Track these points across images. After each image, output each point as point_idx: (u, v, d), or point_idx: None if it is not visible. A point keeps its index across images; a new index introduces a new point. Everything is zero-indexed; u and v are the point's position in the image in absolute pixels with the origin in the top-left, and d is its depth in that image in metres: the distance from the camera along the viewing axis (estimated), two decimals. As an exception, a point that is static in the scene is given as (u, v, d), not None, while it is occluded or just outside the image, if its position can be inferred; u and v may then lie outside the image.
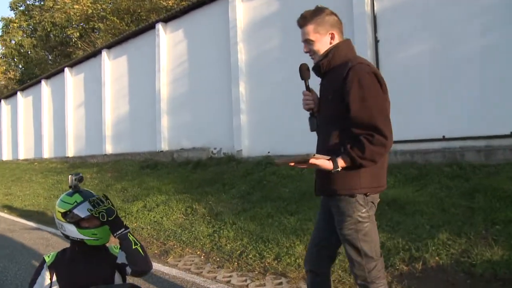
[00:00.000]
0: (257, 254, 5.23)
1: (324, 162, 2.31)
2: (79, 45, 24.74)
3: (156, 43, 13.19)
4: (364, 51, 8.01)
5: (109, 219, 2.57)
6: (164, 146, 12.68)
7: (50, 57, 31.50)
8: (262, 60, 10.11)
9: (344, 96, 2.34)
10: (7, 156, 24.94)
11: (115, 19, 21.56)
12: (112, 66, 15.69)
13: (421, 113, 7.52)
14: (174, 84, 12.70)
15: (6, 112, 25.20)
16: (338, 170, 2.32)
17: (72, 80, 18.36)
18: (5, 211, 11.28)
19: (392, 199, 5.94)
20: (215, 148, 11.09)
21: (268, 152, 9.25)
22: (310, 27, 2.50)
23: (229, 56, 10.78)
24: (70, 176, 2.74)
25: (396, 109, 7.78)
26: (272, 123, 9.61)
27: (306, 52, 2.61)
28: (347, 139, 2.35)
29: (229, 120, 10.62)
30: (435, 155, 7.18)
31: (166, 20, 13.13)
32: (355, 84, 2.31)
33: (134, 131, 14.20)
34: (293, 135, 8.99)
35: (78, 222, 2.66)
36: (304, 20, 2.52)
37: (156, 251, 6.06)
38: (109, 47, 15.96)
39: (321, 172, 2.47)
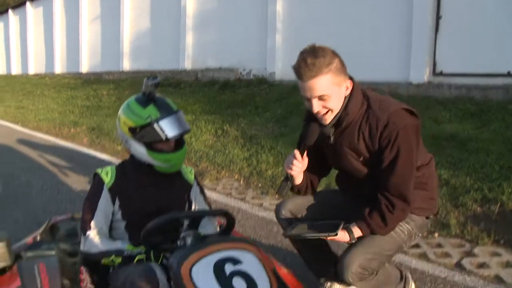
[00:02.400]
0: (304, 182, 4.72)
1: (340, 236, 1.98)
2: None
3: (184, -48, 12.05)
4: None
5: None
6: (188, 65, 11.87)
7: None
8: (304, -24, 9.12)
9: (378, 151, 1.98)
10: (16, 70, 24.24)
11: None
12: (133, -23, 14.59)
13: (483, 45, 6.72)
14: (202, -2, 11.72)
15: (14, 23, 24.15)
16: (353, 242, 2.04)
17: (88, -10, 17.29)
18: (19, 124, 10.86)
19: (450, 134, 5.49)
20: (244, 69, 10.31)
21: (305, 76, 8.54)
22: (325, 79, 1.86)
23: (266, -30, 9.76)
24: (145, 79, 2.05)
25: (454, 39, 7.23)
26: (311, 45, 8.77)
27: (316, 113, 1.97)
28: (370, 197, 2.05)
29: (262, 40, 9.78)
30: (497, 92, 6.48)
31: None
32: (392, 145, 1.93)
33: (154, 48, 13.36)
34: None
35: (150, 143, 2.06)
36: (312, 69, 1.84)
37: (189, 172, 5.57)
38: (130, -45, 14.76)
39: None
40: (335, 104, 1.94)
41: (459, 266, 3.08)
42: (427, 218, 2.19)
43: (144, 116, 2.02)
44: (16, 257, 2.04)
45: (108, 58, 15.59)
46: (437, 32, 7.14)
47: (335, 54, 1.91)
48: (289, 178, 2.14)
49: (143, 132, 2.02)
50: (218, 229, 2.32)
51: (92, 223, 2.06)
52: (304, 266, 2.55)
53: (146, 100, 2.07)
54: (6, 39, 24.79)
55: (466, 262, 3.11)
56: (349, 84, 1.97)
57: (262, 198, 4.58)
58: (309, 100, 1.93)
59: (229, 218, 1.93)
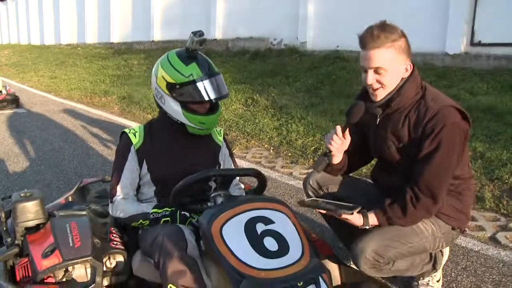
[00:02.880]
0: (334, 152, 4.67)
1: (354, 217, 1.89)
2: None
3: None
4: None
5: None
6: (218, 34, 11.78)
7: None
8: None
9: (419, 141, 1.88)
10: (49, 40, 24.56)
11: None
12: None
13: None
14: (232, -34, 11.55)
15: (47, -7, 24.45)
16: (367, 228, 1.93)
17: (119, -41, 17.22)
18: (52, 93, 11.06)
19: (486, 106, 5.30)
20: (275, 39, 10.18)
21: (337, 46, 8.35)
22: (386, 52, 1.83)
23: None
24: (191, 34, 1.94)
25: (496, 6, 6.91)
26: (343, 14, 8.58)
27: (369, 85, 1.91)
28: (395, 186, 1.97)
29: (294, 8, 9.60)
30: (538, 63, 6.22)
31: None
32: (434, 136, 1.83)
33: (185, 17, 13.25)
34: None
35: (186, 103, 1.99)
36: (376, 40, 1.82)
37: (218, 141, 5.59)
38: None
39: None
40: (390, 81, 1.89)
41: (493, 240, 2.99)
42: (453, 229, 2.06)
43: (186, 73, 1.95)
44: (49, 215, 2.07)
45: (139, 28, 15.60)
46: (477, -1, 6.85)
47: (403, 34, 1.87)
48: (327, 154, 2.07)
49: (182, 90, 1.95)
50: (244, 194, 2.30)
51: (119, 188, 2.05)
52: (333, 235, 2.51)
53: (189, 56, 2.00)
54: (40, 9, 25.07)
55: (500, 236, 3.02)
56: (409, 67, 1.91)
57: (291, 167, 4.55)
58: (366, 71, 1.90)
59: (261, 178, 1.89)
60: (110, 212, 2.08)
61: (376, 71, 1.86)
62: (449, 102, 1.89)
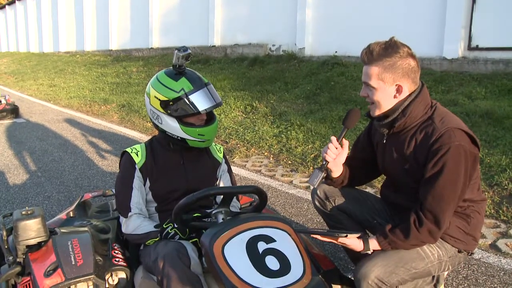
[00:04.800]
0: (334, 160, 4.66)
1: (354, 242, 1.87)
2: None
3: None
4: None
5: None
6: (217, 41, 11.81)
7: None
8: None
9: (424, 162, 1.84)
10: (48, 47, 24.60)
11: None
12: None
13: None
14: (230, -28, 11.58)
15: (46, 1, 24.47)
16: (368, 253, 1.89)
17: (117, -34, 17.27)
18: (51, 102, 11.08)
19: (485, 111, 5.29)
20: (273, 45, 10.20)
21: (335, 52, 8.37)
22: (373, 70, 1.84)
23: None
24: (176, 51, 2.00)
25: (493, 10, 6.93)
26: (342, 20, 8.61)
27: (363, 96, 1.95)
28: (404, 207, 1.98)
29: (292, 14, 9.62)
30: (536, 66, 6.24)
31: None
32: (438, 158, 1.77)
33: (183, 23, 13.30)
34: (364, 34, 7.94)
35: (182, 117, 2.02)
36: (369, 57, 1.84)
37: (218, 149, 5.59)
38: None
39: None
40: (378, 98, 1.87)
41: (494, 247, 3.00)
42: (459, 252, 2.00)
43: (177, 88, 1.98)
44: (51, 232, 2.07)
45: (138, 35, 15.64)
46: (474, 3, 6.86)
47: (405, 55, 1.83)
48: (323, 167, 2.03)
49: (177, 106, 1.99)
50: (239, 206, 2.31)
51: (132, 205, 2.05)
52: (334, 248, 2.51)
53: (177, 73, 2.04)
54: (38, 17, 25.13)
55: (501, 243, 3.02)
56: (406, 89, 1.86)
57: (291, 176, 4.55)
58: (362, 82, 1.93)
59: (261, 195, 1.90)
60: (124, 229, 2.07)
61: (367, 85, 1.87)
62: (458, 124, 1.83)
